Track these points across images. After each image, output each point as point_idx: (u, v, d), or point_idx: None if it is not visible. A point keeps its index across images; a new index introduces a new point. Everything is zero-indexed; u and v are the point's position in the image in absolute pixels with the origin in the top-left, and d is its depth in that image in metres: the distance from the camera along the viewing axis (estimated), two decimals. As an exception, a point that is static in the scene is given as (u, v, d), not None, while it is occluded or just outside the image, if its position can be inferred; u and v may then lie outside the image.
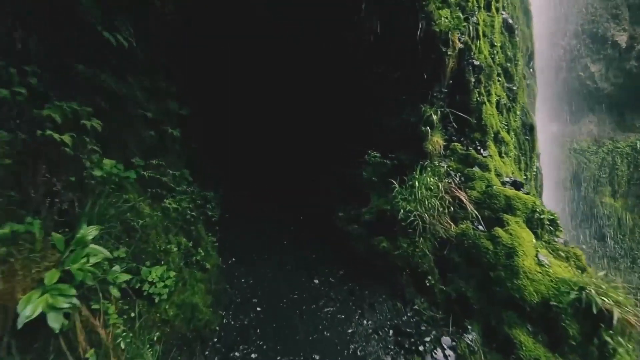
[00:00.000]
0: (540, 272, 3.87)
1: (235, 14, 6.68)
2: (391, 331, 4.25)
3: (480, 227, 4.64)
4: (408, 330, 4.18)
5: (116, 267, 2.80)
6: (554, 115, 27.03)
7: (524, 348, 3.53)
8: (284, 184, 8.24)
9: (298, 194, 7.88)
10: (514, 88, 7.30)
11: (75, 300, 2.17)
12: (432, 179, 5.22)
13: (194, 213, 5.24)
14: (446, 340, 3.93)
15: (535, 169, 8.59)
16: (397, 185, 5.43)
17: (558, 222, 4.85)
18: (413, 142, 5.87)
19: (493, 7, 7.10)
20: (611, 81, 25.54)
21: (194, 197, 5.68)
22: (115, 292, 2.76)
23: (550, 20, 26.76)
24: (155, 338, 3.23)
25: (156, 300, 3.50)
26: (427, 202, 5.04)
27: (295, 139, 8.59)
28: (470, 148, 5.72)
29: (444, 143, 5.80)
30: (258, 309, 4.70)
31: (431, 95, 5.95)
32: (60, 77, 2.82)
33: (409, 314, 4.52)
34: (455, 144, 5.77)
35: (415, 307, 4.59)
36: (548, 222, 4.71)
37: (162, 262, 3.86)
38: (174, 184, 5.06)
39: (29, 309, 2.02)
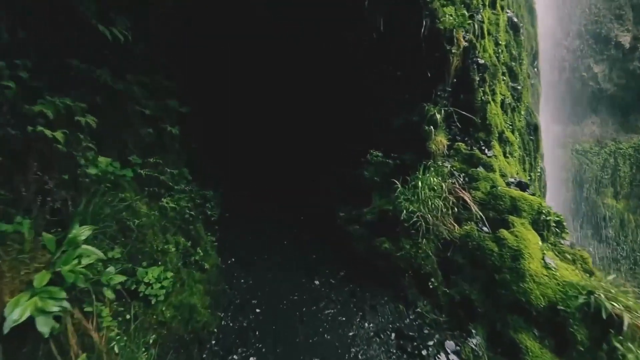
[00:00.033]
0: (547, 276, 3.77)
1: (235, 14, 6.64)
2: (393, 334, 4.16)
3: (484, 228, 4.54)
4: (410, 333, 4.08)
5: (110, 268, 2.71)
6: (556, 115, 26.88)
7: (530, 353, 3.43)
8: (284, 184, 8.18)
9: (298, 194, 7.82)
10: (519, 87, 7.19)
11: (65, 304, 2.08)
12: (435, 179, 5.11)
13: (192, 212, 5.15)
14: (450, 344, 3.83)
15: (539, 170, 8.49)
16: (399, 186, 5.33)
17: (564, 224, 4.75)
18: (416, 141, 5.76)
19: (498, 5, 6.99)
20: (614, 82, 25.41)
21: (193, 196, 5.59)
22: (109, 294, 2.67)
23: (553, 20, 26.60)
24: (151, 341, 3.14)
25: (153, 302, 3.41)
26: (430, 203, 4.94)
27: (296, 138, 8.53)
28: (474, 148, 5.62)
29: (448, 143, 5.70)
30: (257, 310, 4.61)
31: (435, 94, 5.85)
32: (53, 71, 2.73)
33: (411, 317, 4.42)
34: (459, 143, 5.67)
35: (418, 309, 4.49)
36: (554, 224, 4.61)
37: (159, 263, 3.77)
38: (172, 182, 4.97)
39: (16, 312, 1.93)
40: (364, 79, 6.49)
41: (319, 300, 4.87)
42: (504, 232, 4.28)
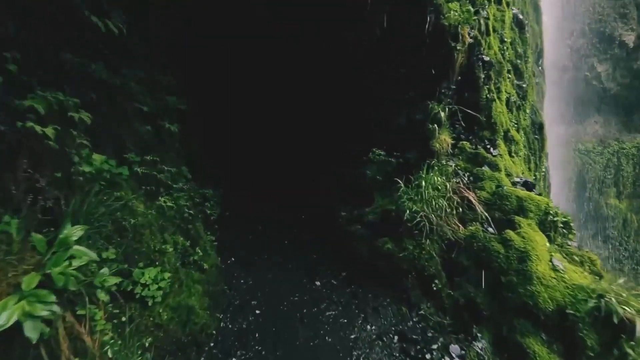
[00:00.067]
0: (555, 278, 3.66)
1: (235, 14, 6.60)
2: (396, 337, 4.06)
3: (490, 229, 4.43)
4: (414, 336, 3.98)
5: (105, 270, 2.61)
6: (559, 115, 26.71)
7: (537, 358, 3.33)
8: (284, 184, 8.12)
9: (298, 193, 7.77)
10: (524, 85, 7.06)
11: (55, 308, 1.98)
12: (439, 179, 5.00)
13: (191, 211, 5.06)
14: (454, 348, 3.73)
15: (544, 169, 8.36)
16: (402, 185, 5.22)
17: (572, 224, 4.63)
18: (419, 140, 5.65)
19: (504, 2, 6.86)
20: (618, 81, 25.21)
21: (192, 194, 5.50)
22: (103, 296, 2.57)
23: (557, 18, 26.41)
24: (147, 344, 3.05)
25: (149, 304, 3.32)
26: (434, 203, 4.83)
27: (296, 138, 8.48)
28: (479, 147, 5.50)
29: (452, 141, 5.58)
30: (257, 311, 4.51)
31: (439, 92, 5.73)
32: (45, 65, 2.63)
33: (414, 319, 4.32)
34: (464, 142, 5.55)
35: (421, 312, 4.39)
36: (561, 225, 4.50)
37: (157, 263, 3.67)
38: (171, 181, 4.88)
39: (3, 316, 1.83)
40: (364, 79, 6.44)
41: (320, 301, 4.78)
42: (510, 233, 4.17)
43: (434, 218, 4.73)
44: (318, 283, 5.19)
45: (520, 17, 7.58)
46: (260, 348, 3.88)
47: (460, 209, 4.78)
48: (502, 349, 3.63)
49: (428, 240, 4.69)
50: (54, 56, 2.77)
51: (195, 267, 4.62)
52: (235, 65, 7.85)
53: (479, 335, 3.82)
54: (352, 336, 4.09)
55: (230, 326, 4.18)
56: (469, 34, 5.68)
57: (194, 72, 6.42)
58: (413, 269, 4.70)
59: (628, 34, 24.52)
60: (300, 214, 7.23)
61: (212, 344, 3.85)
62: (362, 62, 6.32)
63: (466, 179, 5.13)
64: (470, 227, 4.55)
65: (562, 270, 3.73)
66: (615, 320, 3.13)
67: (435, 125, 5.51)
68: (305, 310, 4.56)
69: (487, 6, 6.12)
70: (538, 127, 7.85)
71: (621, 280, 3.49)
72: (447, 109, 5.60)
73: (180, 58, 5.68)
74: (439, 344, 3.86)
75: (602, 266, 4.17)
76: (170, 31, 5.32)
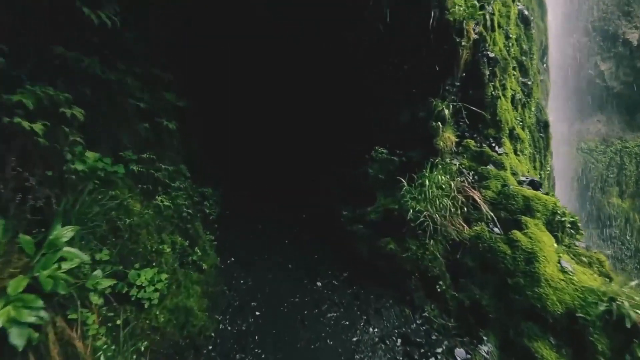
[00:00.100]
0: (563, 280, 3.55)
1: (235, 14, 6.57)
2: (399, 340, 3.96)
3: (496, 229, 4.32)
4: (418, 339, 3.88)
5: (98, 272, 2.51)
6: (562, 113, 26.52)
7: (546, 363, 3.22)
8: (285, 184, 8.07)
9: (298, 193, 7.72)
10: (529, 83, 6.93)
11: (43, 314, 1.88)
12: (443, 177, 4.89)
13: (190, 210, 4.97)
14: (460, 352, 3.62)
15: (548, 168, 8.23)
16: (405, 184, 5.11)
17: (579, 225, 4.52)
18: (422, 138, 5.53)
19: (509, -3, 6.72)
20: (621, 80, 24.99)
21: (191, 193, 5.40)
22: (95, 299, 2.47)
23: (560, 16, 26.18)
24: (142, 348, 2.95)
25: (146, 306, 3.22)
26: (438, 202, 4.72)
27: (296, 138, 8.44)
28: (484, 145, 5.38)
29: (456, 139, 5.46)
30: (257, 313, 4.42)
31: (443, 89, 5.60)
32: (36, 59, 2.52)
33: (418, 322, 4.21)
34: (468, 140, 5.43)
35: (425, 314, 4.28)
36: (569, 225, 4.38)
37: (154, 264, 3.57)
38: (169, 179, 4.77)
39: (-13, 323, 1.74)
40: (364, 79, 6.40)
41: (321, 302, 4.68)
42: (517, 234, 4.06)
43: (438, 218, 4.62)
44: (319, 284, 5.10)
45: (526, 13, 7.44)
46: (259, 351, 3.79)
47: (465, 209, 4.67)
48: (509, 353, 3.53)
49: (432, 240, 4.59)
50: (45, 50, 2.66)
51: (194, 268, 4.52)
52: (235, 65, 7.85)
53: (484, 338, 3.72)
54: (354, 339, 4.00)
55: (229, 328, 4.09)
56: (473, 29, 5.55)
57: (194, 71, 6.38)
58: (416, 269, 4.59)
59: (632, 32, 24.28)
60: (301, 213, 7.16)
61: (210, 347, 3.75)
62: (362, 62, 6.27)
63: (471, 177, 5.01)
64: (476, 227, 4.44)
65: (571, 272, 3.62)
66: (628, 325, 3.02)
67: (439, 122, 5.38)
68: (306, 312, 4.46)
69: (492, 1, 5.98)
70: (543, 125, 7.72)
71: (633, 283, 3.38)
72: (451, 106, 5.47)
73: (180, 58, 5.66)
74: (444, 347, 3.76)
75: (612, 267, 4.06)
76: (170, 31, 5.31)
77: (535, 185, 4.87)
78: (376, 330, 4.13)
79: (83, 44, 2.99)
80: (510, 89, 6.21)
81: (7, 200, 2.19)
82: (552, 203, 4.38)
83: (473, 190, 4.78)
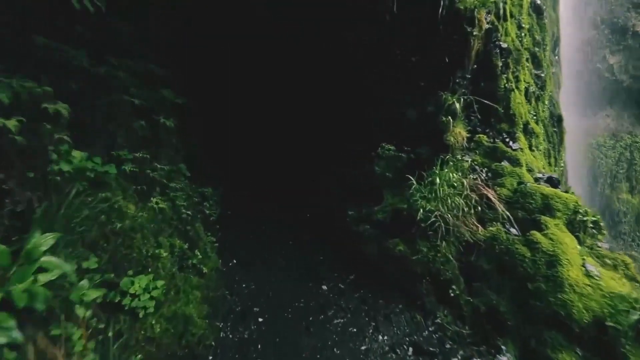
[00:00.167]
0: (589, 285, 3.29)
1: (235, 14, 6.49)
2: (411, 349, 3.71)
3: (513, 230, 4.05)
4: (431, 348, 3.63)
5: (84, 282, 2.30)
6: (570, 108, 26.00)
7: (572, 376, 2.97)
8: (285, 183, 7.93)
9: (299, 193, 7.59)
10: (542, 75, 6.62)
11: (16, 334, 1.66)
12: (455, 175, 4.63)
13: (189, 212, 4.76)
14: (477, 362, 3.38)
15: (562, 164, 7.91)
16: (414, 182, 4.86)
17: (601, 224, 4.24)
18: (431, 134, 5.27)
19: (520, -15, 6.41)
20: (630, 73, 24.43)
21: (191, 193, 5.19)
22: (81, 312, 2.26)
23: (568, 9, 25.60)
24: (136, 362, 2.74)
25: (140, 315, 3.01)
26: (449, 201, 4.46)
27: (296, 138, 8.33)
28: (497, 140, 5.11)
29: (467, 135, 5.19)
30: (260, 319, 4.19)
31: (453, 82, 5.32)
32: (14, 50, 2.30)
33: (430, 329, 3.97)
34: (480, 135, 5.16)
35: (438, 320, 4.04)
36: (591, 225, 4.10)
37: (149, 270, 3.36)
38: (166, 179, 4.56)
39: (-49, 346, 1.52)
40: (364, 79, 6.26)
41: (327, 307, 4.45)
42: (536, 235, 3.79)
43: (450, 218, 4.37)
44: (325, 287, 4.87)
45: (539, 2, 7.10)
46: (262, 361, 3.57)
47: (479, 208, 4.41)
48: (531, 364, 3.28)
49: (444, 241, 4.34)
50: (25, 40, 2.44)
51: (194, 271, 4.32)
52: (235, 65, 7.79)
53: (503, 347, 3.46)
54: (363, 347, 3.76)
55: (230, 336, 3.87)
56: (485, 18, 5.27)
57: (194, 71, 6.31)
58: (427, 273, 4.35)
59: (642, 24, 23.68)
60: (301, 213, 7.02)
61: (210, 357, 3.54)
62: (362, 62, 6.17)
63: (484, 175, 4.75)
64: (491, 228, 4.17)
65: (597, 277, 3.35)
66: (665, 335, 2.76)
67: (449, 117, 5.12)
68: (311, 318, 4.23)
69: (504, -11, 5.68)
70: (557, 120, 7.40)
71: (668, 289, 3.10)
72: (462, 99, 5.20)
73: (180, 57, 5.58)
74: (459, 357, 3.52)
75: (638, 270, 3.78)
76: (170, 31, 5.23)
77: (553, 182, 4.58)
78: (386, 337, 3.89)
79: (68, 34, 2.76)
80: (524, 81, 5.91)
81: (-19, 205, 1.97)
82: (573, 201, 4.10)
83: (487, 189, 4.51)
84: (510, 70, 5.52)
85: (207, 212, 5.34)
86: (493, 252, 3.98)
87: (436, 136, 5.21)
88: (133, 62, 4.09)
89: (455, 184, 4.58)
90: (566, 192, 4.38)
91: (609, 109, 25.76)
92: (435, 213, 4.39)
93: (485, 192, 4.47)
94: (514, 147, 4.98)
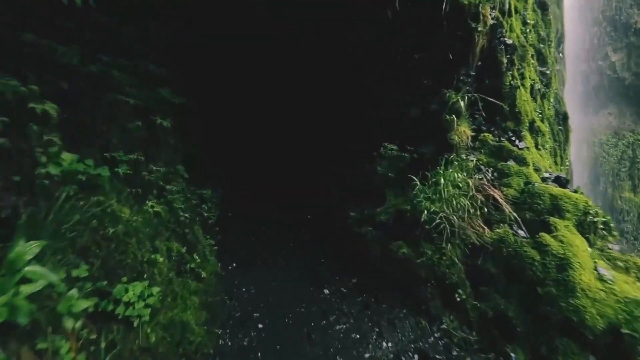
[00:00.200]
0: (603, 290, 3.16)
1: (235, 14, 6.44)
2: (416, 356, 3.59)
3: (520, 232, 3.92)
4: (437, 356, 3.51)
5: (72, 292, 2.17)
6: (571, 105, 25.83)
7: (585, 385, 2.84)
8: (285, 184, 7.84)
9: (299, 193, 7.51)
10: (548, 72, 6.48)
11: (-7, 352, 1.54)
12: (459, 175, 4.50)
13: (187, 214, 4.65)
14: (485, 370, 3.25)
15: (567, 163, 7.78)
16: (418, 182, 4.73)
17: (612, 225, 4.10)
18: (435, 133, 5.14)
19: (525, -20, 6.27)
20: (633, 71, 24.24)
21: (189, 196, 5.07)
22: (70, 323, 2.13)
23: (571, 6, 25.43)
24: (130, 374, 2.62)
25: (135, 324, 2.89)
26: (455, 202, 4.33)
27: (296, 138, 8.27)
28: (502, 139, 4.97)
29: (472, 133, 5.06)
30: (260, 326, 4.07)
31: (457, 79, 5.19)
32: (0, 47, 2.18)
33: (436, 335, 3.84)
34: (486, 134, 5.02)
35: (444, 325, 3.91)
36: (602, 226, 3.97)
37: (145, 276, 3.24)
38: (163, 181, 4.44)
39: None
40: (364, 79, 6.20)
41: (329, 312, 4.32)
42: (545, 237, 3.65)
43: (456, 219, 4.24)
44: (326, 291, 4.74)
45: (543, -3, 6.97)
46: (263, 370, 3.45)
47: (485, 209, 4.27)
48: (542, 372, 3.15)
49: (449, 244, 4.20)
50: (11, 37, 2.31)
51: (192, 276, 4.20)
52: (235, 65, 7.74)
53: (512, 355, 3.33)
54: (367, 355, 3.63)
55: (229, 343, 3.74)
56: (490, 14, 5.13)
57: (194, 71, 6.27)
58: (432, 276, 4.22)
59: (645, 21, 23.48)
60: (301, 214, 6.92)
61: (208, 366, 3.42)
62: (362, 62, 6.11)
63: (490, 174, 4.61)
64: (498, 230, 4.04)
65: (611, 281, 3.22)
66: (684, 343, 2.63)
67: (454, 115, 4.98)
68: (312, 324, 4.11)
69: (508, -16, 5.54)
70: (562, 118, 7.26)
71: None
72: (466, 97, 5.07)
73: (180, 57, 5.53)
74: (467, 364, 3.39)
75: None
76: (170, 31, 5.18)
77: (561, 182, 4.45)
78: (390, 344, 3.76)
79: (57, 31, 2.64)
80: (529, 78, 5.77)
81: (-40, 212, 1.85)
82: (582, 202, 3.97)
83: (493, 189, 4.38)
84: (516, 67, 5.38)
85: (206, 214, 5.22)
86: (500, 255, 3.85)
87: (440, 135, 5.08)
88: (131, 62, 3.98)
89: (460, 185, 4.44)
90: (575, 191, 4.24)
91: (611, 107, 25.58)
92: (440, 214, 4.26)
93: (491, 192, 4.34)
94: (520, 146, 4.84)
